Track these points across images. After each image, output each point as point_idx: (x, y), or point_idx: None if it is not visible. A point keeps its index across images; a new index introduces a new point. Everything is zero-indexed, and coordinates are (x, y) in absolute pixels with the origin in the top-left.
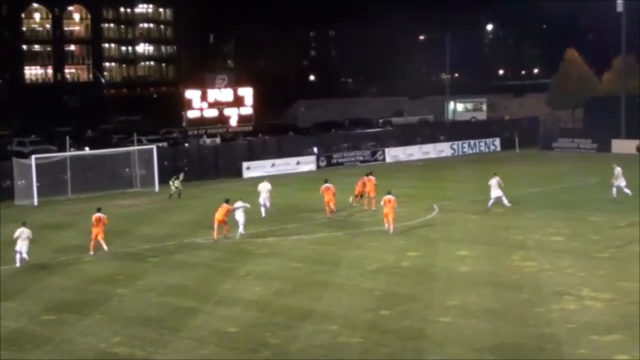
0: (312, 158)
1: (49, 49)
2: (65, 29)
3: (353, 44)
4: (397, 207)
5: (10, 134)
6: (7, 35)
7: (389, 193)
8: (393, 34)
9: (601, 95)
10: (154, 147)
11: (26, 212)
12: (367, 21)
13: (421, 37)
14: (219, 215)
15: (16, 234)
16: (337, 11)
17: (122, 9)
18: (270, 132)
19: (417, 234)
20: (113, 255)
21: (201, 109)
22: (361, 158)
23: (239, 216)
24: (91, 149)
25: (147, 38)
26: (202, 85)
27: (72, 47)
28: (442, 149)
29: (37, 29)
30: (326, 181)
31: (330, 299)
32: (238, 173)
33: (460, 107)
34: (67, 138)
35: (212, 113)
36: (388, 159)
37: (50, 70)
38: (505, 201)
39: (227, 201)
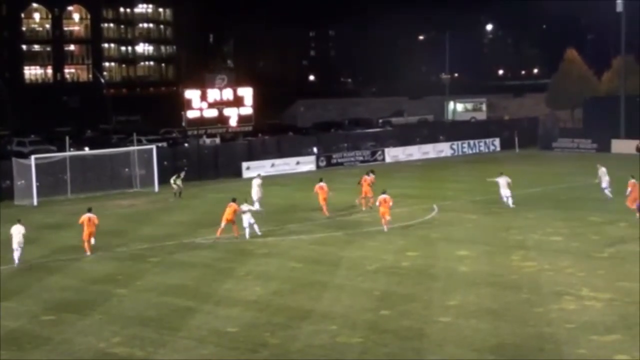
0: (312, 158)
1: (48, 49)
2: (65, 29)
3: (353, 44)
4: (393, 207)
5: (9, 133)
6: (6, 35)
7: (384, 192)
8: (393, 33)
9: (601, 95)
10: (153, 147)
11: (26, 212)
12: (366, 21)
13: (421, 37)
14: (227, 214)
15: (12, 230)
16: (337, 11)
17: (121, 9)
18: (270, 132)
19: (416, 234)
20: (112, 256)
21: (201, 109)
22: (361, 158)
23: (247, 218)
24: (91, 149)
25: (147, 38)
26: (202, 85)
27: (72, 47)
28: (441, 149)
29: (37, 29)
30: (321, 180)
31: (330, 299)
32: (238, 173)
33: (459, 107)
34: (67, 138)
35: (212, 113)
36: (388, 159)
37: (49, 70)
38: (510, 202)
39: (234, 200)
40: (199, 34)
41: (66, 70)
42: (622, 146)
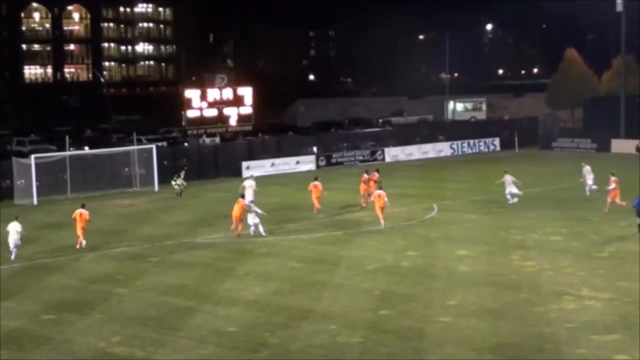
0: (312, 158)
1: (48, 48)
2: (65, 28)
3: (353, 44)
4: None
5: (9, 133)
6: (6, 34)
7: (380, 188)
8: (393, 33)
9: (601, 95)
10: (153, 146)
11: (26, 211)
12: (366, 21)
13: (421, 37)
14: (235, 211)
15: (8, 227)
16: (337, 11)
17: (121, 9)
18: (270, 132)
19: (416, 233)
20: (112, 255)
21: (201, 109)
22: (361, 158)
23: (252, 217)
24: (91, 148)
25: (147, 37)
26: (202, 84)
27: (72, 47)
28: (441, 149)
29: (37, 28)
30: (316, 179)
31: (330, 299)
32: (237, 172)
33: (459, 106)
34: (67, 137)
35: (212, 112)
36: (387, 159)
37: (49, 70)
38: (512, 199)
39: (242, 196)
40: (199, 33)
41: (66, 70)
42: (622, 146)
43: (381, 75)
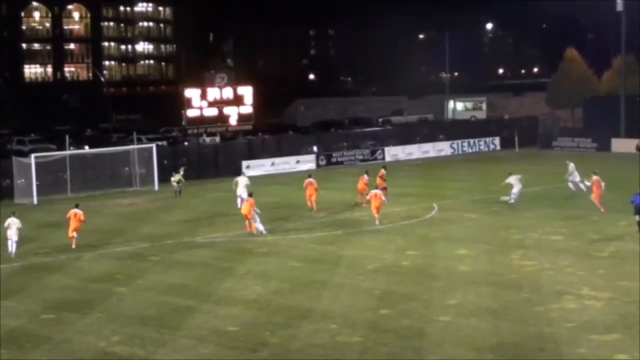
0: (312, 157)
1: (48, 47)
2: (65, 27)
3: (353, 44)
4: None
5: (9, 132)
6: (6, 34)
7: (376, 188)
8: (392, 33)
9: (601, 94)
10: (153, 145)
11: (26, 210)
12: (366, 20)
13: (421, 36)
14: (244, 210)
15: (6, 224)
16: (337, 10)
17: (121, 8)
18: (270, 131)
19: (416, 233)
20: (112, 254)
21: (201, 108)
22: (361, 157)
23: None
24: (91, 147)
25: (147, 37)
26: (202, 84)
27: (72, 46)
28: (441, 148)
29: (37, 27)
30: (309, 176)
31: (330, 298)
32: (238, 172)
33: (459, 106)
34: (67, 137)
35: (212, 112)
36: (388, 158)
37: (49, 69)
38: (512, 198)
39: (250, 195)
40: (199, 32)
41: (66, 69)
42: (622, 145)
43: (381, 74)
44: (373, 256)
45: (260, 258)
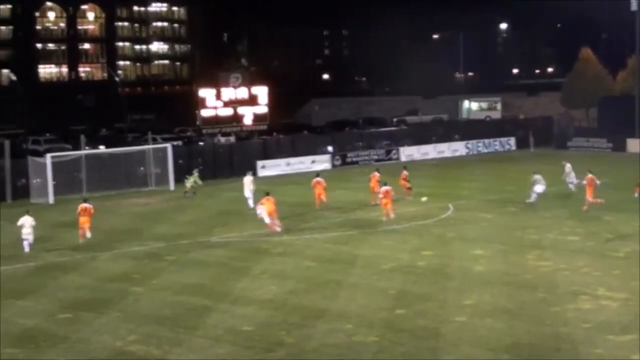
0: (327, 157)
1: (63, 47)
2: (80, 27)
3: (367, 43)
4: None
5: (25, 132)
6: (21, 34)
7: (385, 184)
8: (407, 33)
9: (615, 94)
10: (168, 145)
11: (41, 210)
12: (380, 20)
13: (435, 37)
14: (269, 208)
15: (20, 222)
16: (351, 10)
17: (135, 8)
18: (285, 131)
19: (432, 233)
20: (128, 254)
21: (215, 108)
22: (376, 157)
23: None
24: (106, 147)
25: (161, 37)
26: (216, 84)
27: (87, 46)
28: (456, 148)
29: (52, 27)
30: (317, 175)
31: (345, 298)
32: (253, 172)
33: (474, 106)
34: (82, 136)
35: (227, 112)
36: (403, 158)
37: (64, 69)
38: (533, 197)
39: (267, 194)
40: (213, 32)
41: (81, 69)
42: (637, 145)
43: (395, 74)
44: (388, 256)
45: (276, 258)
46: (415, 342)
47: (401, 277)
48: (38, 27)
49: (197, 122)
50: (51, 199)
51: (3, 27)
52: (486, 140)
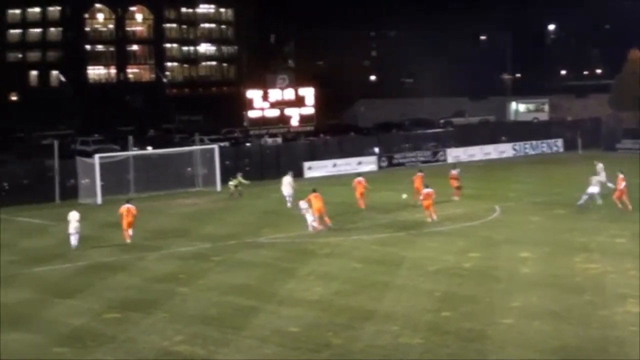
0: (374, 158)
1: (111, 49)
2: (128, 29)
3: (414, 44)
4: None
5: (74, 133)
6: (70, 35)
7: (426, 187)
8: (453, 34)
9: None
10: (216, 146)
11: (90, 210)
12: (427, 21)
13: (482, 37)
14: (316, 205)
15: (69, 217)
16: (398, 11)
17: (183, 9)
18: (331, 132)
19: (478, 234)
20: (176, 254)
21: (262, 109)
22: (422, 158)
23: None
24: (154, 148)
25: (209, 38)
26: (263, 85)
27: (135, 47)
28: (503, 150)
29: (100, 29)
30: (359, 175)
31: (392, 300)
32: (299, 173)
33: (522, 107)
34: (130, 137)
35: (273, 113)
36: (449, 159)
37: (113, 70)
38: (582, 199)
39: (314, 191)
40: (260, 34)
41: (129, 70)
42: None
43: (442, 75)
44: (434, 258)
45: (322, 259)
46: (461, 344)
47: (447, 279)
48: (87, 29)
49: (244, 123)
50: (99, 199)
51: (53, 29)
52: (533, 142)
